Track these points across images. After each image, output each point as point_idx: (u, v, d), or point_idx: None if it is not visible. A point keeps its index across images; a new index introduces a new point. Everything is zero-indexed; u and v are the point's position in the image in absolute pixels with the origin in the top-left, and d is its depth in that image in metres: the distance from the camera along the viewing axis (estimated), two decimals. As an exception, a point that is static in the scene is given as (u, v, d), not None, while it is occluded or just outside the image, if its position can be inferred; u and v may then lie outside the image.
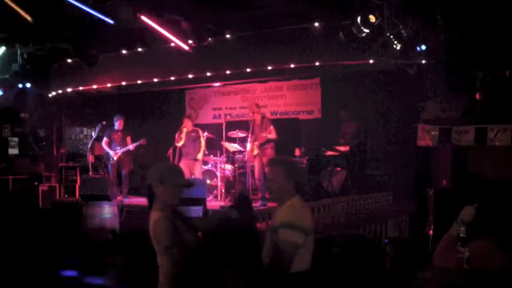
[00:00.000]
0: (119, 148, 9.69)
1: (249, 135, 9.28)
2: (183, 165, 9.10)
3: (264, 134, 8.36)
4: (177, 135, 9.74)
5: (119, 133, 9.80)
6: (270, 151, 8.50)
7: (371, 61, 7.75)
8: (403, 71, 7.88)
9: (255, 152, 8.59)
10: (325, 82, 10.33)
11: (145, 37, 8.60)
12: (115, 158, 9.70)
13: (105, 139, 9.83)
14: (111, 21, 7.39)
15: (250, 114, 8.73)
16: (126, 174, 9.82)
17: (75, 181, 10.67)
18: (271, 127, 8.44)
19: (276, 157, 4.22)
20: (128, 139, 9.79)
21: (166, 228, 2.94)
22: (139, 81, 10.02)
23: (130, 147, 9.68)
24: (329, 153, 9.24)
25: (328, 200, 7.83)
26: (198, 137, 9.60)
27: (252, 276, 3.03)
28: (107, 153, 9.81)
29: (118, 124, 9.81)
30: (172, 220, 3.00)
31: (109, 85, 10.33)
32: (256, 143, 8.56)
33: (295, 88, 10.89)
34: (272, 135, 8.39)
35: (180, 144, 9.57)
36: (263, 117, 8.82)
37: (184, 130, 9.64)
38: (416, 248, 5.98)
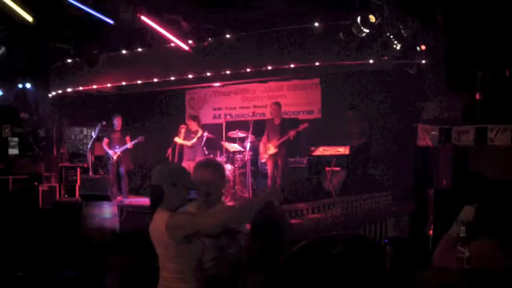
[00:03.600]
0: (117, 147, 9.74)
1: (249, 135, 9.32)
2: (184, 166, 9.15)
3: (292, 133, 8.88)
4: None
5: (118, 133, 9.87)
6: (284, 151, 8.83)
7: (371, 61, 7.75)
8: (403, 71, 7.88)
9: (272, 151, 8.82)
10: (325, 82, 10.32)
11: (145, 37, 8.61)
12: (114, 158, 9.76)
13: (105, 139, 9.93)
14: (111, 21, 7.39)
15: (272, 116, 9.29)
16: (124, 173, 9.85)
17: (75, 181, 10.67)
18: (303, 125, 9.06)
19: (208, 159, 4.25)
20: (127, 139, 9.84)
21: (185, 217, 2.93)
22: (139, 81, 10.02)
23: (129, 145, 9.75)
24: (329, 153, 9.24)
25: (328, 200, 7.82)
26: (195, 132, 9.68)
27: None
28: (107, 153, 9.87)
29: (116, 123, 9.87)
30: None
31: (109, 85, 10.33)
32: (274, 142, 9.01)
33: (295, 88, 10.88)
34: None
35: (178, 140, 9.67)
36: (283, 118, 9.28)
37: (182, 131, 9.68)
38: (416, 248, 5.97)
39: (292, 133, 8.89)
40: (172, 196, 2.96)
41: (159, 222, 2.91)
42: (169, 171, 3.05)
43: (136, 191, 10.53)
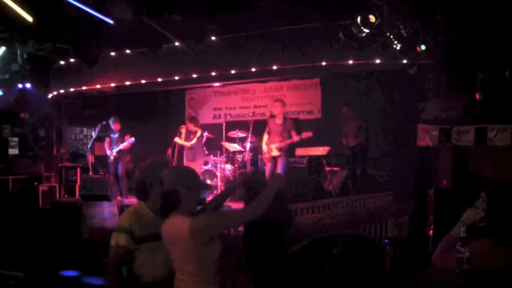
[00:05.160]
0: (115, 147, 9.81)
1: (249, 135, 9.30)
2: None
3: (296, 139, 8.54)
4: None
5: (117, 133, 9.90)
6: (285, 152, 8.75)
7: (371, 61, 7.75)
8: (403, 71, 7.88)
9: (275, 153, 8.67)
10: (325, 82, 10.33)
11: (145, 37, 8.60)
12: (111, 158, 9.83)
13: (106, 139, 10.02)
14: (111, 21, 7.38)
15: (274, 113, 8.83)
16: (122, 173, 9.87)
17: (75, 181, 10.67)
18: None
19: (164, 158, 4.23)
20: (126, 138, 9.85)
21: (211, 218, 2.94)
22: (139, 81, 10.02)
23: (121, 146, 9.77)
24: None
25: (328, 200, 7.83)
26: (194, 133, 9.65)
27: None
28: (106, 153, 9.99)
29: (113, 126, 9.91)
30: None
31: (109, 85, 10.33)
32: (276, 144, 8.69)
33: (295, 88, 10.88)
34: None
35: (178, 141, 9.64)
36: (285, 117, 8.89)
37: (183, 131, 9.67)
38: (416, 248, 5.98)
39: (296, 139, 8.66)
40: (188, 200, 2.93)
41: (177, 227, 2.87)
42: (183, 175, 3.02)
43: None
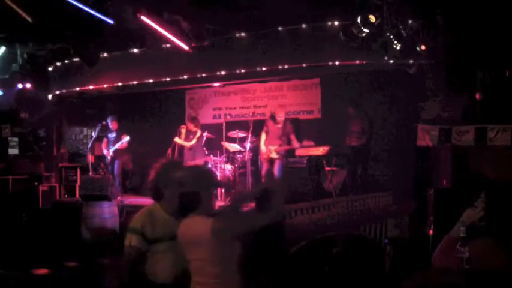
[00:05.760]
0: (112, 147, 9.85)
1: (249, 135, 9.30)
2: None
3: (297, 144, 8.69)
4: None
5: (114, 133, 9.93)
6: (283, 156, 8.85)
7: (371, 61, 7.75)
8: (403, 71, 7.88)
9: (274, 155, 8.76)
10: (325, 82, 10.32)
11: (145, 37, 8.61)
12: (108, 158, 9.90)
13: (104, 139, 10.06)
14: (111, 21, 7.39)
15: (277, 119, 8.94)
16: (117, 173, 9.91)
17: (75, 181, 10.66)
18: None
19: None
20: (122, 137, 9.87)
21: (235, 218, 2.93)
22: (139, 82, 10.01)
23: (117, 145, 9.81)
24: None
25: (328, 200, 7.83)
26: (194, 133, 9.66)
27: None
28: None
29: (111, 125, 9.94)
30: None
31: (109, 85, 10.32)
32: (276, 147, 8.79)
33: (295, 88, 10.88)
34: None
35: (178, 141, 9.63)
36: (286, 120, 8.99)
37: (183, 131, 9.68)
38: (416, 248, 5.98)
39: (295, 146, 8.76)
40: (208, 200, 2.96)
41: (197, 227, 2.87)
42: (203, 176, 3.05)
43: (136, 191, 10.52)
